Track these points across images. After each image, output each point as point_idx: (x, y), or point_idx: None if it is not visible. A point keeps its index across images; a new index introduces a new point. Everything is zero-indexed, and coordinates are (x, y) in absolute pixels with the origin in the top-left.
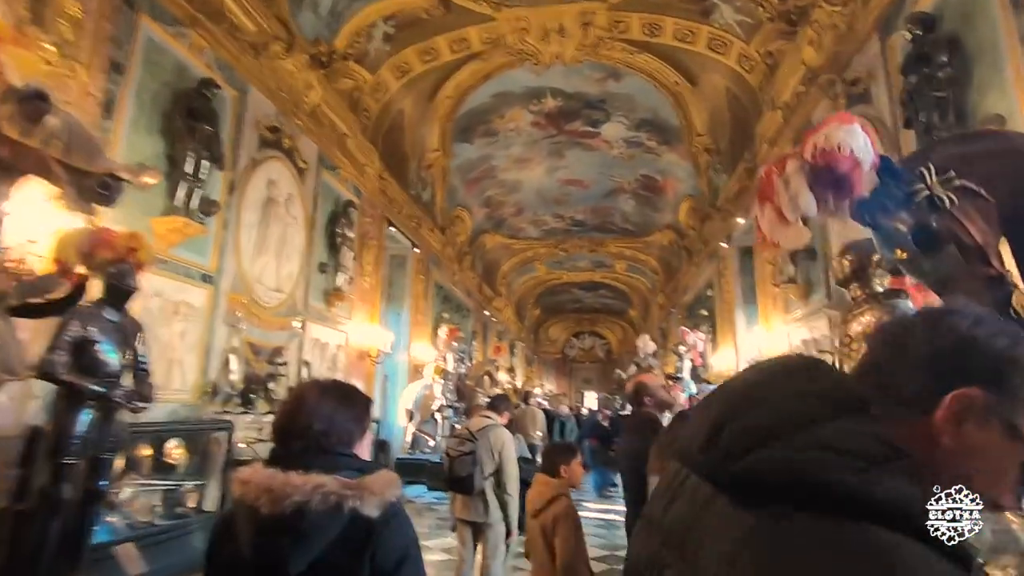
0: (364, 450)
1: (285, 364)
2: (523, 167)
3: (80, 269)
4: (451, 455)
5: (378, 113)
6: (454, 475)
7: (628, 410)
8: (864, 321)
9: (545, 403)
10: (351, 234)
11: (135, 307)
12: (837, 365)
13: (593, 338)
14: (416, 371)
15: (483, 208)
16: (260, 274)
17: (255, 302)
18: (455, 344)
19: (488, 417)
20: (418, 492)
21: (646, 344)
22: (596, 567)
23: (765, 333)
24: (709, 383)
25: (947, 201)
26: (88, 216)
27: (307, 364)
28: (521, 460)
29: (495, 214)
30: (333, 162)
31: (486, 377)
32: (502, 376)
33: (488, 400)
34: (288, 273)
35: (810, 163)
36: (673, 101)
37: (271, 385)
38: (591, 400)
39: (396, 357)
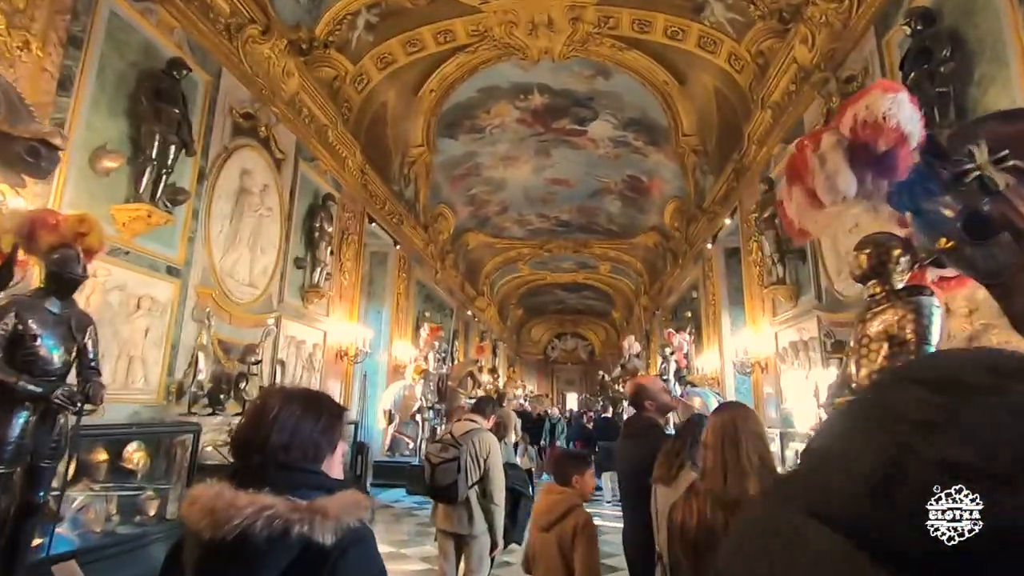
0: (335, 466)
1: (258, 363)
2: (509, 165)
3: (22, 253)
4: (433, 462)
5: (360, 105)
6: (436, 483)
7: (611, 412)
8: (886, 320)
9: (527, 404)
10: (330, 229)
11: (93, 301)
12: (853, 368)
13: (576, 339)
14: (397, 371)
15: (467, 206)
16: (232, 268)
17: (226, 297)
18: (436, 343)
19: (472, 421)
20: (397, 496)
21: (632, 345)
22: None
23: (752, 335)
24: (694, 385)
25: (1001, 183)
26: (17, 188)
27: (282, 363)
28: (507, 466)
29: (479, 212)
30: (312, 154)
31: (468, 378)
32: (485, 377)
33: (472, 402)
34: (262, 268)
35: (850, 137)
36: (661, 100)
37: (243, 385)
38: (573, 401)
39: (376, 357)
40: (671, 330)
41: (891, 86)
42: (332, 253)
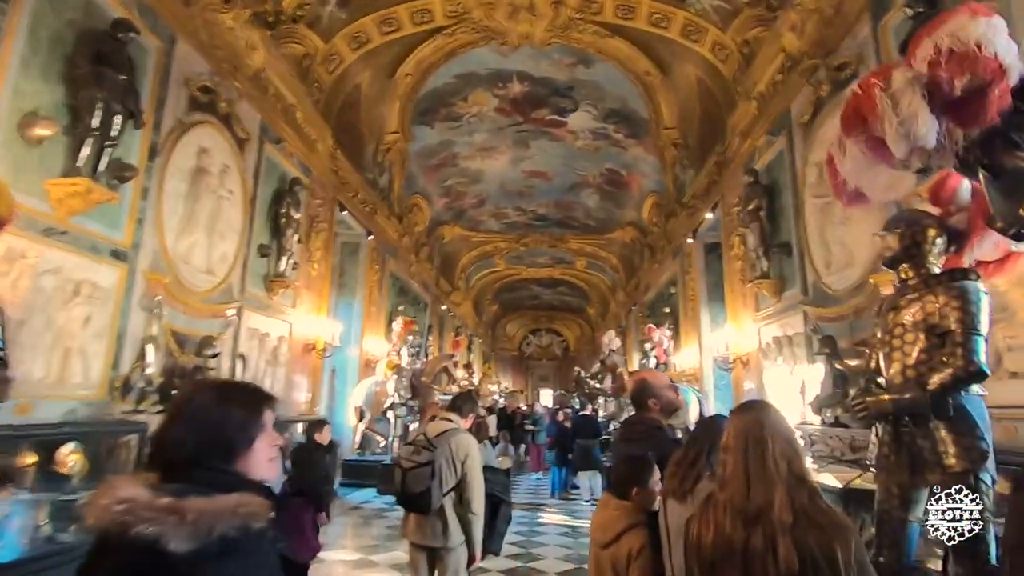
0: (256, 464)
1: (216, 356)
2: (486, 156)
3: None
4: (404, 466)
5: (331, 86)
6: (407, 491)
7: (589, 409)
8: (924, 309)
9: (502, 401)
10: (297, 215)
11: (21, 285)
12: (881, 362)
13: (551, 335)
14: (368, 366)
15: (443, 198)
16: (188, 253)
17: (180, 285)
18: (410, 338)
19: (448, 420)
20: (367, 497)
21: (611, 340)
22: None
23: (733, 331)
24: (672, 382)
25: None
26: None
27: (242, 357)
28: (486, 470)
29: (455, 205)
30: (279, 135)
31: (443, 373)
32: (460, 373)
33: (447, 399)
34: (222, 254)
35: (930, 73)
36: (643, 91)
37: (199, 380)
38: (548, 398)
39: (347, 351)
40: (651, 325)
41: (980, 8)
42: (300, 241)
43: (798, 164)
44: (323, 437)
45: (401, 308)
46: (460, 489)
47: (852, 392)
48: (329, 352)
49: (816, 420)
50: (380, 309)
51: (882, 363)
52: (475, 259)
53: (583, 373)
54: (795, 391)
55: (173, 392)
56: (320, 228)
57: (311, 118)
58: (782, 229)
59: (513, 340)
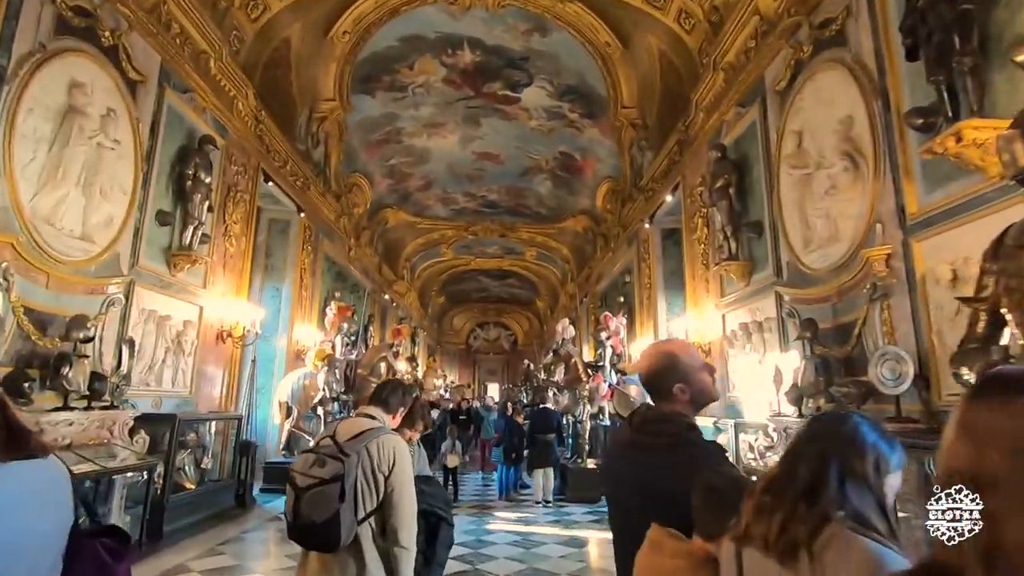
0: None
1: (88, 340)
2: (433, 134)
3: None
4: (299, 485)
5: (255, 37)
6: (302, 520)
7: (550, 403)
8: None
9: (447, 395)
10: (209, 180)
11: None
12: (1004, 316)
13: (499, 329)
14: (299, 358)
15: (386, 178)
16: (52, 212)
17: (39, 250)
18: (345, 326)
19: (370, 417)
20: None
21: (565, 328)
22: None
23: (694, 318)
24: (624, 373)
25: None
26: None
27: (131, 343)
28: (422, 481)
29: (400, 186)
30: (185, 83)
31: (382, 364)
32: (401, 365)
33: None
34: (106, 218)
35: None
36: (601, 64)
37: (65, 370)
38: (495, 392)
39: (274, 341)
40: (607, 313)
41: None
42: (212, 210)
43: (772, 135)
44: None
45: (338, 295)
46: (383, 514)
47: (836, 380)
48: (250, 340)
49: (792, 411)
50: (313, 295)
51: (1011, 320)
52: (421, 247)
53: (532, 366)
54: (766, 380)
55: (27, 385)
56: (239, 198)
57: (228, 70)
58: (752, 207)
59: (460, 333)
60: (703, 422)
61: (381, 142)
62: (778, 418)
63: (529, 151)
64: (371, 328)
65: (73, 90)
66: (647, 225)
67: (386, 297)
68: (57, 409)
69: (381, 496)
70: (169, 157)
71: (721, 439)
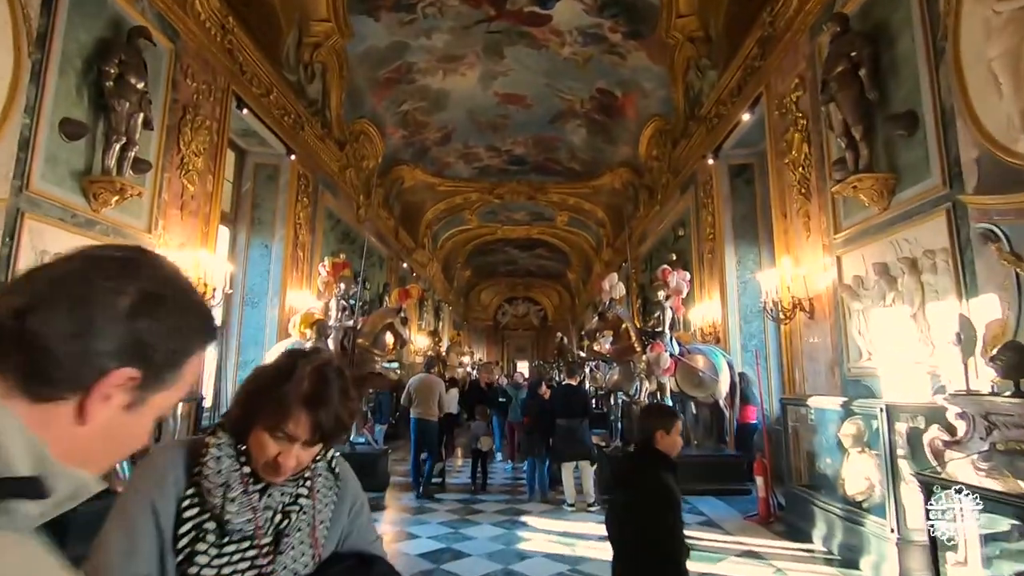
0: None
1: None
2: (451, 71)
3: None
4: None
5: None
6: None
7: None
8: None
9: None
10: (141, 85)
11: None
12: None
13: (528, 304)
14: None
15: (398, 128)
16: None
17: None
18: (342, 286)
19: None
20: None
21: (614, 286)
22: None
23: (790, 266)
24: (681, 343)
25: None
26: None
27: None
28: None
29: (415, 139)
30: None
31: (387, 332)
32: (422, 340)
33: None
34: None
35: None
36: None
37: None
38: (524, 369)
39: (264, 308)
40: (665, 267)
41: None
42: (150, 127)
43: None
44: None
45: (343, 258)
46: None
47: None
48: (216, 301)
49: (994, 385)
50: (313, 256)
51: None
52: (443, 213)
53: (565, 340)
54: (930, 342)
55: None
56: (202, 124)
57: None
58: (897, 93)
59: (487, 309)
60: (825, 404)
61: (390, 81)
62: (969, 398)
63: (561, 90)
64: (387, 298)
65: None
66: (710, 161)
67: (404, 266)
68: None
69: None
70: (80, 49)
71: (849, 430)
